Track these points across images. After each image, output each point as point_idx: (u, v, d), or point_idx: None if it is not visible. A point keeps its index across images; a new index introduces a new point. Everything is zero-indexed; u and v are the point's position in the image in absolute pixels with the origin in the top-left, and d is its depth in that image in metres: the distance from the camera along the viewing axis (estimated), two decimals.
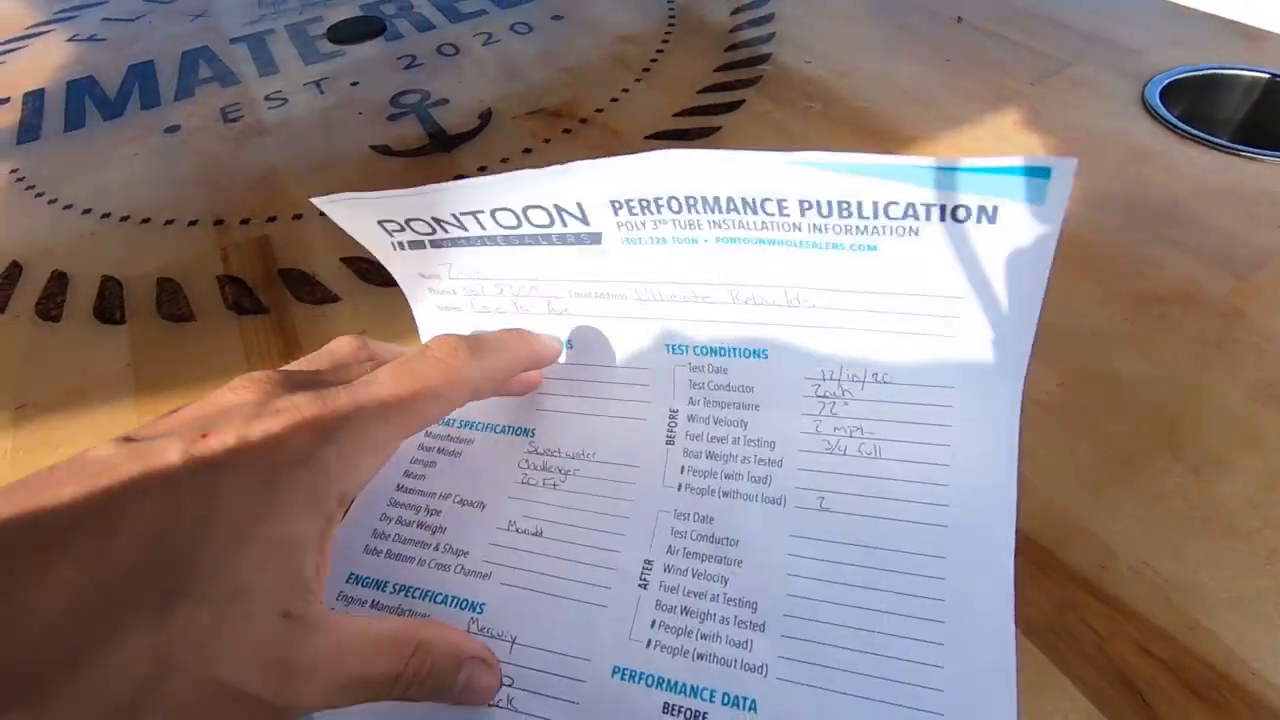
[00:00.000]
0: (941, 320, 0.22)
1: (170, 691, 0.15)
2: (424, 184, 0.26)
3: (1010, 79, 0.44)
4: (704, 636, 0.22)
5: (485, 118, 0.46)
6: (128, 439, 0.17)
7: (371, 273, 0.36)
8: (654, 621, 0.22)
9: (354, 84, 0.51)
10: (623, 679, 0.21)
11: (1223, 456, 0.25)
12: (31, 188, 0.44)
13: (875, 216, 0.21)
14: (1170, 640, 0.21)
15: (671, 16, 0.55)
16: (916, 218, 0.21)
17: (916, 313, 0.23)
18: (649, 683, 0.21)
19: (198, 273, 0.37)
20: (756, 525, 0.24)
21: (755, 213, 0.23)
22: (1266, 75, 0.41)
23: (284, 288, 0.35)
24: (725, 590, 0.23)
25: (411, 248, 0.28)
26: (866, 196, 0.21)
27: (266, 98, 0.50)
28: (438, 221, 0.26)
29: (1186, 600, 0.21)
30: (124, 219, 0.41)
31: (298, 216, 0.40)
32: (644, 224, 0.24)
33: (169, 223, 0.40)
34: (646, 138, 0.43)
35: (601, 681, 0.21)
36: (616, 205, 0.24)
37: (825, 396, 0.24)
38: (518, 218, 0.25)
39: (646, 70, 0.49)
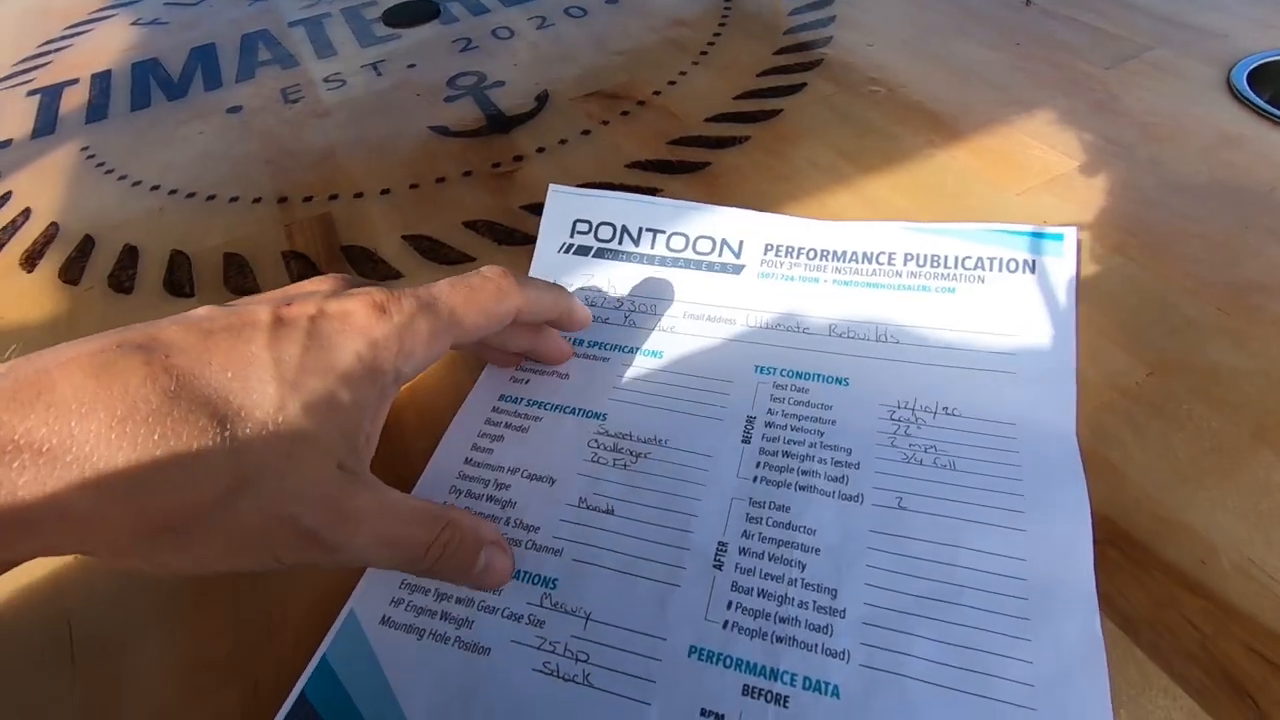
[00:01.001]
0: (1003, 357, 0.27)
1: (240, 511, 0.17)
2: (485, 164, 0.38)
3: (1084, 63, 0.43)
4: (782, 620, 0.21)
5: (542, 100, 0.46)
6: (229, 303, 0.20)
7: (432, 250, 0.36)
8: (730, 603, 0.22)
9: (410, 66, 0.51)
10: (700, 659, 0.21)
11: None
12: (102, 165, 0.45)
13: (956, 267, 0.29)
14: (1278, 638, 0.20)
15: (728, 1, 0.54)
16: (984, 269, 0.29)
17: (981, 350, 0.27)
18: (727, 664, 0.20)
19: (263, 248, 0.37)
20: (833, 518, 0.23)
21: (870, 262, 0.30)
22: None
23: (347, 264, 0.35)
24: (803, 576, 0.22)
25: (577, 253, 0.33)
26: (951, 252, 0.30)
27: (325, 79, 0.51)
28: (624, 230, 0.33)
29: None
30: (190, 195, 0.41)
31: (359, 195, 0.40)
32: (782, 263, 0.31)
33: (234, 199, 0.41)
34: (706, 120, 0.42)
35: (678, 661, 0.21)
36: (768, 247, 0.31)
37: (899, 420, 0.26)
38: (688, 242, 0.32)
39: (704, 53, 0.48)
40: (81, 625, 0.23)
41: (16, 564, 0.17)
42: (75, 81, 0.55)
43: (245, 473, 0.17)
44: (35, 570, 0.25)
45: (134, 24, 0.63)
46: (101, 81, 0.54)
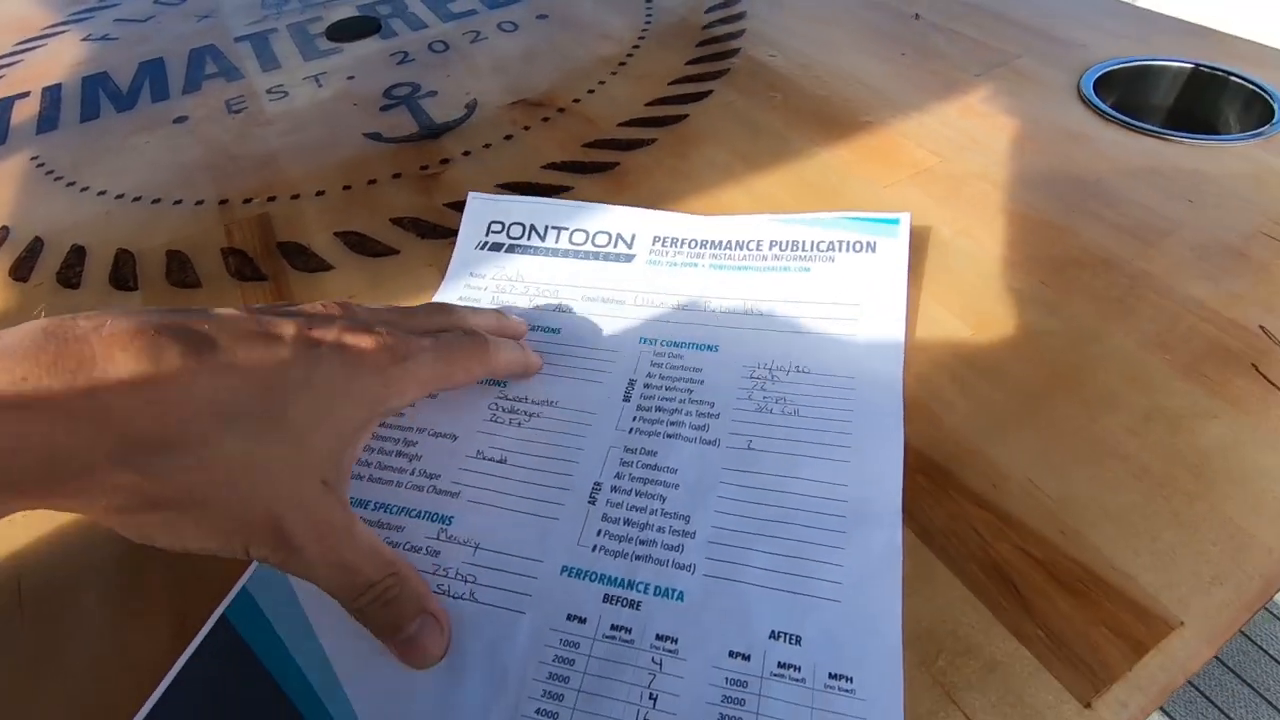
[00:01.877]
0: (845, 323, 0.31)
1: (232, 502, 0.20)
2: (413, 167, 0.43)
3: (957, 70, 0.48)
4: (642, 543, 0.25)
5: (471, 108, 0.49)
6: (251, 310, 0.23)
7: (360, 245, 0.39)
8: (599, 530, 0.25)
9: (350, 78, 0.55)
10: (570, 576, 0.24)
11: (1112, 394, 0.28)
12: (51, 173, 0.47)
13: (811, 250, 0.34)
14: (1046, 543, 0.24)
15: (649, 16, 0.58)
16: (834, 250, 0.34)
17: (828, 318, 0.31)
18: (592, 579, 0.24)
19: (204, 246, 0.40)
20: (693, 459, 0.27)
21: (742, 249, 0.35)
22: (1191, 65, 0.44)
23: (281, 258, 0.39)
24: (663, 506, 0.26)
25: (491, 249, 0.37)
26: (808, 237, 0.34)
27: (268, 91, 0.54)
28: (533, 228, 0.37)
29: (1065, 511, 0.25)
30: (136, 199, 0.44)
31: (295, 196, 0.43)
32: (667, 252, 0.35)
33: (178, 202, 0.44)
34: (619, 124, 0.46)
35: (551, 578, 0.24)
36: (656, 239, 0.36)
37: (758, 378, 0.30)
38: (587, 237, 0.36)
39: (622, 64, 0.52)
40: (30, 579, 0.26)
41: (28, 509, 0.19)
42: (26, 95, 0.57)
43: (248, 468, 0.20)
44: None
45: (85, 39, 0.65)
46: (52, 94, 0.57)
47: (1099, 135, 0.41)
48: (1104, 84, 0.45)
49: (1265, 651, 0.91)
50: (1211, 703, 0.86)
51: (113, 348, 0.19)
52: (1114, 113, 0.42)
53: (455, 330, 0.27)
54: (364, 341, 0.23)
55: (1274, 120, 0.40)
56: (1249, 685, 0.88)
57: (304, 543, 0.21)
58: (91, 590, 0.25)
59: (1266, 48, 0.45)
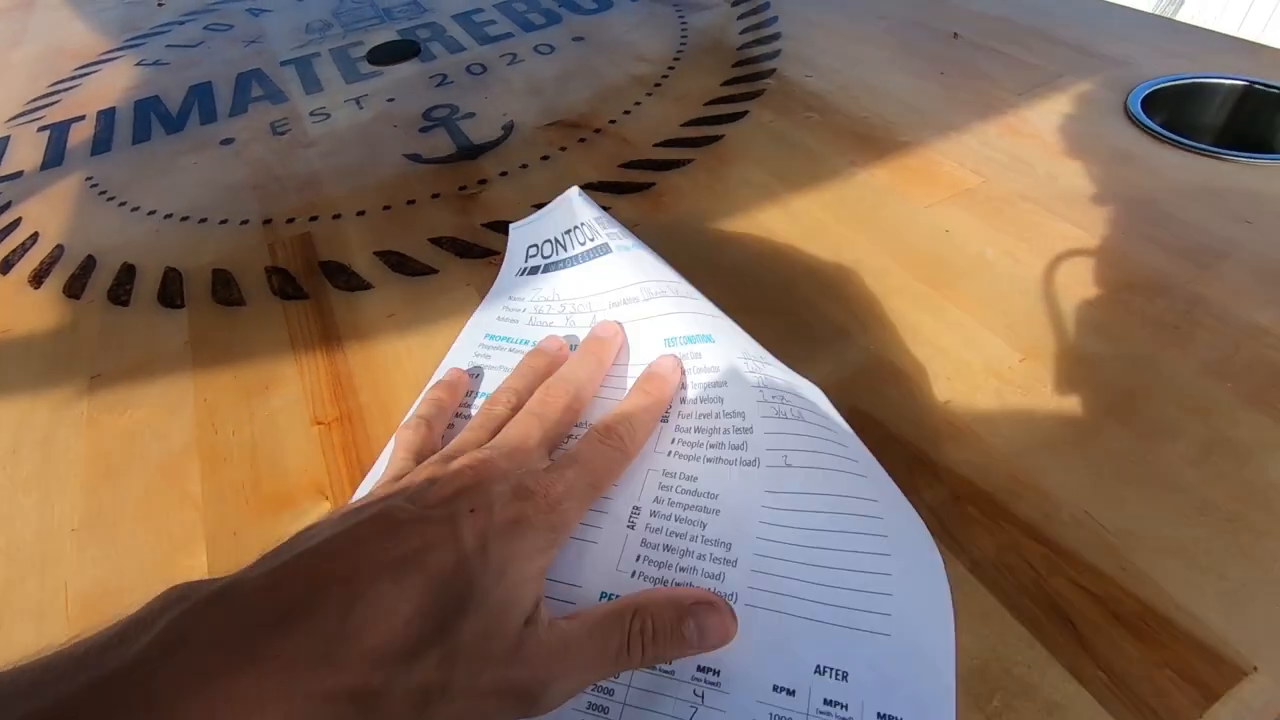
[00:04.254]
0: None
1: (454, 692, 0.19)
2: (452, 187, 0.43)
3: (999, 89, 0.47)
4: (682, 569, 0.24)
5: (508, 129, 0.50)
6: (410, 499, 0.23)
7: (400, 264, 0.39)
8: (639, 556, 0.25)
9: (390, 100, 0.56)
10: (609, 601, 0.24)
11: (1170, 423, 0.27)
12: (104, 193, 0.49)
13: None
14: (1104, 578, 0.23)
15: (684, 38, 0.59)
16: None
17: None
18: None
19: (248, 264, 0.41)
20: (735, 483, 0.27)
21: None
22: (1244, 83, 0.43)
23: (323, 277, 0.39)
24: (703, 533, 0.25)
25: (529, 274, 0.36)
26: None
27: (311, 113, 0.55)
28: (557, 241, 0.36)
29: (1123, 544, 0.24)
30: (184, 219, 0.45)
31: (336, 216, 0.44)
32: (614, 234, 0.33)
33: (223, 222, 0.45)
34: (655, 145, 0.46)
35: (589, 604, 0.24)
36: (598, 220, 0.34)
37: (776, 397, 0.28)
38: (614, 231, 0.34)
39: (658, 85, 0.53)
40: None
41: None
42: (82, 118, 0.59)
43: (454, 658, 0.19)
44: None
45: (138, 65, 0.68)
46: (106, 117, 0.59)
47: (1149, 154, 0.40)
48: (1152, 102, 0.44)
49: None
50: None
51: (370, 626, 0.19)
52: (1165, 131, 0.41)
53: (588, 433, 0.27)
54: (523, 509, 0.23)
55: None
56: None
57: (545, 678, 0.20)
58: None
59: None
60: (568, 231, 0.36)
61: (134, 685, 0.16)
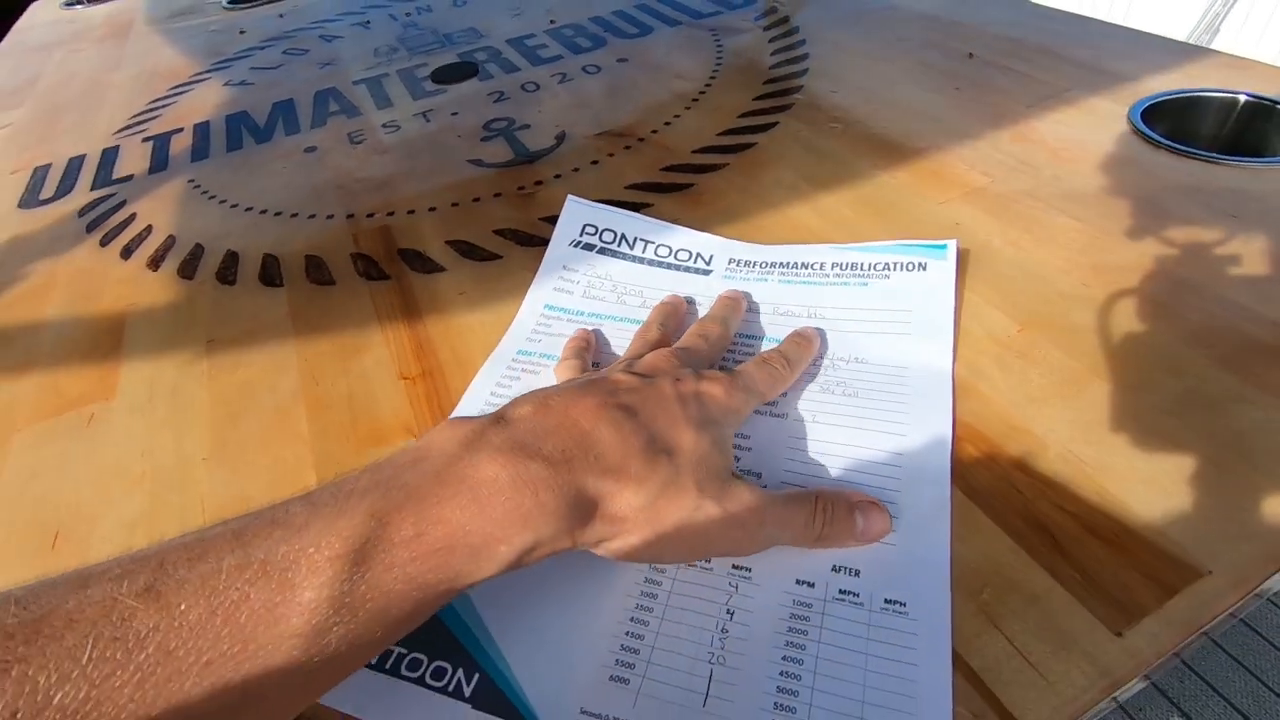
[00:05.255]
0: (899, 325, 0.34)
1: (705, 513, 0.24)
2: (512, 188, 0.50)
3: (1010, 102, 0.51)
4: None
5: (560, 138, 0.56)
6: (630, 371, 0.29)
7: (469, 251, 0.45)
8: None
9: (454, 114, 0.62)
10: None
11: (1151, 380, 0.31)
12: (205, 192, 0.56)
13: (868, 270, 0.38)
14: (1082, 501, 0.27)
15: (719, 58, 0.64)
16: (890, 269, 0.37)
17: (884, 320, 0.35)
18: None
19: (335, 251, 0.47)
20: (765, 429, 0.31)
21: (807, 269, 0.39)
22: (1241, 96, 0.47)
23: (402, 262, 0.45)
24: (738, 465, 0.30)
25: (585, 249, 0.42)
26: (865, 260, 0.38)
27: (383, 125, 0.62)
28: (623, 237, 0.42)
29: (1101, 476, 0.27)
30: (277, 214, 0.52)
31: (411, 212, 0.49)
32: (740, 270, 0.40)
33: (311, 216, 0.51)
34: (693, 151, 0.51)
35: None
36: (731, 260, 0.40)
37: (821, 367, 0.34)
38: (670, 251, 0.41)
39: (695, 100, 0.58)
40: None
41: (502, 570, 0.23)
42: (180, 130, 0.66)
43: (700, 483, 0.25)
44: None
45: (225, 85, 0.75)
46: (202, 130, 0.66)
47: (1147, 159, 0.44)
48: (1153, 115, 0.48)
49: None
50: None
51: (583, 422, 0.25)
52: (1163, 139, 0.45)
53: (750, 360, 0.32)
54: (715, 389, 0.28)
55: None
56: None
57: (753, 526, 0.25)
58: None
59: None
60: (636, 238, 0.41)
61: (455, 471, 0.22)
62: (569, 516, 0.23)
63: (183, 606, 0.18)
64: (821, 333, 0.35)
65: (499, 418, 0.25)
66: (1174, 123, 0.48)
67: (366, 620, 0.20)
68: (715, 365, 0.33)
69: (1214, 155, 0.43)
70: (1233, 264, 0.36)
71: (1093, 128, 0.47)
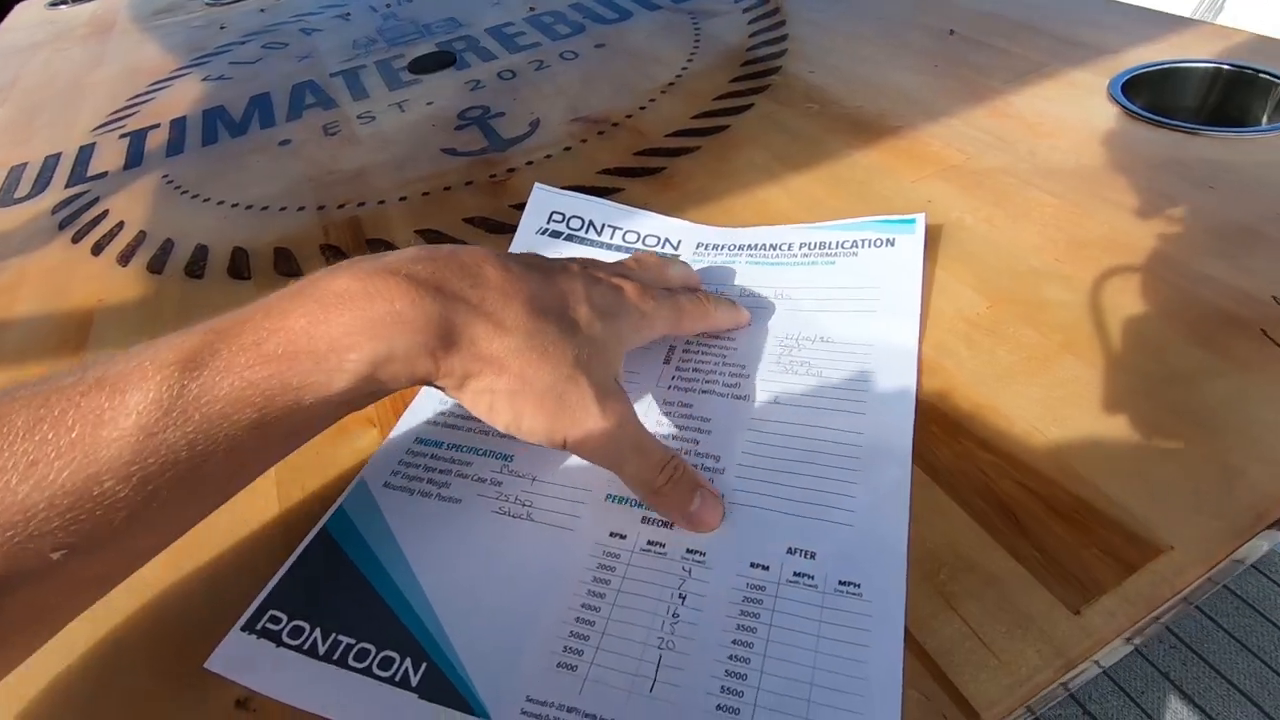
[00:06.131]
0: (866, 303, 0.34)
1: (578, 385, 0.25)
2: (483, 176, 0.49)
3: (987, 79, 0.50)
4: None
5: (534, 125, 0.55)
6: (541, 263, 0.28)
7: (437, 239, 0.44)
8: None
9: (429, 104, 0.61)
10: (613, 501, 0.28)
11: (1120, 356, 0.30)
12: (179, 188, 0.55)
13: (836, 248, 0.37)
14: (1045, 479, 0.26)
15: (697, 41, 0.63)
16: (857, 247, 0.37)
17: (850, 299, 0.34)
18: (632, 504, 0.28)
19: (305, 243, 0.46)
20: (725, 410, 0.31)
21: (775, 250, 0.38)
22: (1218, 65, 0.46)
23: (369, 251, 0.44)
24: (697, 447, 0.29)
25: (552, 237, 0.41)
26: (833, 239, 0.38)
27: (359, 117, 0.61)
28: (591, 223, 0.41)
29: (1065, 453, 0.27)
30: (249, 207, 0.51)
31: (381, 202, 0.49)
32: (708, 254, 0.39)
33: (283, 209, 0.50)
34: (666, 135, 0.51)
35: (597, 503, 0.28)
36: (699, 244, 0.40)
37: (785, 346, 0.33)
38: (638, 237, 0.41)
39: (671, 84, 0.57)
40: None
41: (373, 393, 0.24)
42: (157, 126, 0.66)
43: (580, 359, 0.25)
44: None
45: (204, 80, 0.75)
46: (178, 125, 0.65)
47: (1125, 132, 0.43)
48: (1133, 87, 0.47)
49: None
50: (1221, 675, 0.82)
51: (480, 261, 0.25)
52: (1142, 111, 0.44)
53: (684, 292, 0.32)
54: (628, 285, 0.29)
55: None
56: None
57: (615, 431, 0.25)
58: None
59: None
60: (604, 224, 0.41)
61: (308, 286, 0.23)
62: (429, 334, 0.23)
63: (11, 416, 0.19)
64: (789, 313, 0.34)
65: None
66: (1155, 95, 0.47)
67: (204, 425, 0.20)
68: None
69: (1192, 126, 0.42)
70: (1207, 237, 0.35)
71: (1072, 102, 0.47)
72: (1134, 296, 0.32)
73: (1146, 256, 0.34)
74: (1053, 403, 0.29)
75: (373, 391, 0.24)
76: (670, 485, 0.26)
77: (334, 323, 0.22)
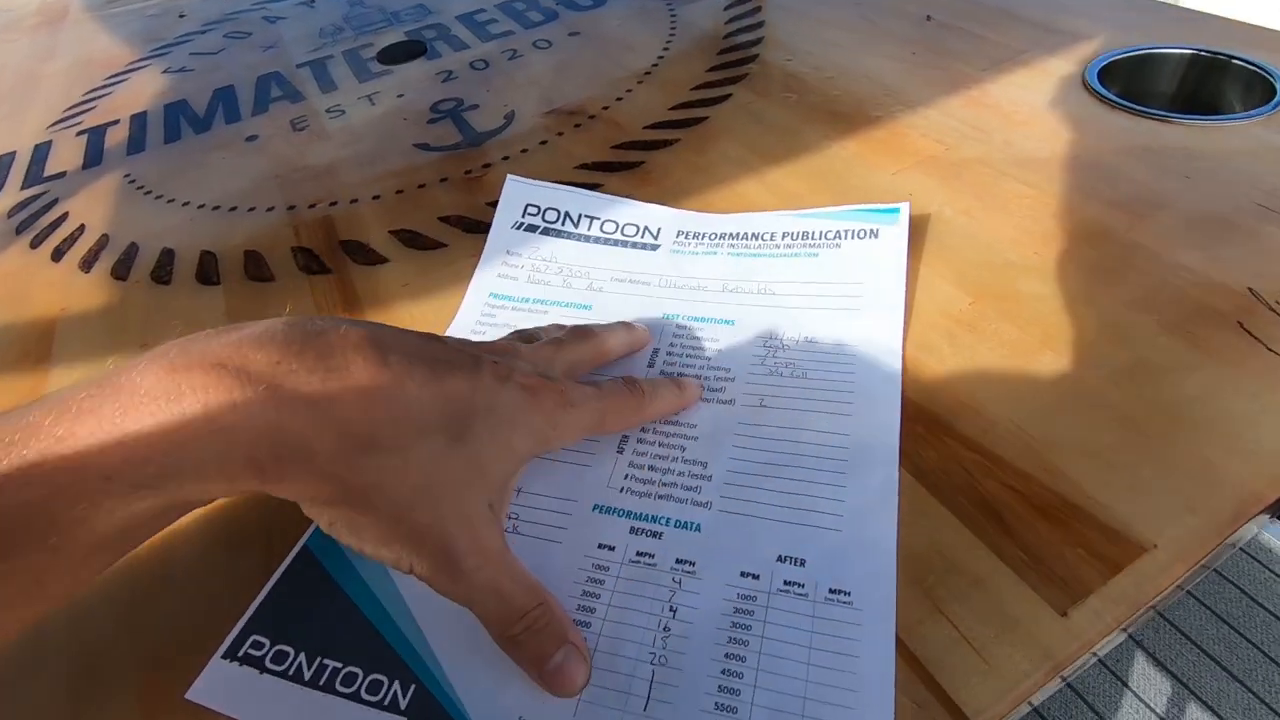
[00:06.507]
0: (850, 300, 0.34)
1: (416, 515, 0.22)
2: (458, 172, 0.48)
3: (965, 66, 0.50)
4: (664, 484, 0.28)
5: (509, 118, 0.54)
6: (440, 340, 0.25)
7: (412, 240, 0.43)
8: (626, 475, 0.29)
9: (400, 96, 0.60)
10: (600, 512, 0.28)
11: (1098, 351, 0.30)
12: (142, 188, 0.53)
13: (819, 239, 0.37)
14: (1029, 478, 0.26)
15: (673, 29, 0.62)
16: (840, 238, 0.36)
17: (834, 295, 0.34)
18: (620, 514, 0.27)
19: (275, 245, 0.45)
20: (710, 416, 0.30)
21: (757, 240, 0.38)
22: (1192, 51, 0.46)
23: (344, 254, 0.43)
24: (683, 454, 0.29)
25: (528, 231, 0.40)
26: (817, 228, 0.37)
27: (327, 110, 0.59)
28: (567, 215, 0.40)
29: (1047, 451, 0.27)
30: (215, 208, 0.50)
31: (354, 201, 0.48)
32: (689, 244, 0.39)
33: (251, 209, 0.49)
34: (644, 128, 0.50)
35: (584, 514, 0.28)
36: (679, 232, 0.39)
37: (770, 347, 0.33)
38: (617, 227, 0.40)
39: (648, 74, 0.56)
40: None
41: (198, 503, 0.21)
42: (116, 122, 0.64)
43: (430, 481, 0.21)
44: None
45: (164, 72, 0.72)
46: (139, 120, 0.63)
47: (1100, 120, 0.43)
48: (1108, 74, 0.47)
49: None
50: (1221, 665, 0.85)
51: (348, 350, 0.21)
52: (1117, 99, 0.44)
53: (614, 378, 0.29)
54: (540, 385, 0.25)
55: (1275, 99, 0.42)
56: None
57: (468, 567, 0.22)
58: (195, 523, 0.30)
59: (1265, 30, 0.47)
60: (581, 215, 0.40)
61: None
62: (251, 445, 0.20)
63: None
64: (773, 311, 0.34)
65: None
66: (1129, 81, 0.47)
67: None
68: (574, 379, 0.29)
69: (1167, 114, 0.42)
70: (1181, 227, 0.35)
71: (1047, 90, 0.47)
72: (1110, 289, 0.33)
73: (1122, 248, 0.35)
74: (1034, 400, 0.29)
75: (183, 505, 0.21)
76: (528, 634, 0.22)
77: (129, 428, 0.18)
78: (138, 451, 0.18)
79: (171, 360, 0.20)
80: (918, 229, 0.37)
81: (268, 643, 0.25)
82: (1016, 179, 0.40)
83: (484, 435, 0.23)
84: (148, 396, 0.19)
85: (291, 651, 0.24)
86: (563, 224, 0.40)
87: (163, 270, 0.44)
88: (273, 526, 0.29)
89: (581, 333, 0.31)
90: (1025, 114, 0.45)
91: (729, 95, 0.52)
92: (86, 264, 0.46)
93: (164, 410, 0.19)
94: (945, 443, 0.28)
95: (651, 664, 0.23)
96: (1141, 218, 0.36)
